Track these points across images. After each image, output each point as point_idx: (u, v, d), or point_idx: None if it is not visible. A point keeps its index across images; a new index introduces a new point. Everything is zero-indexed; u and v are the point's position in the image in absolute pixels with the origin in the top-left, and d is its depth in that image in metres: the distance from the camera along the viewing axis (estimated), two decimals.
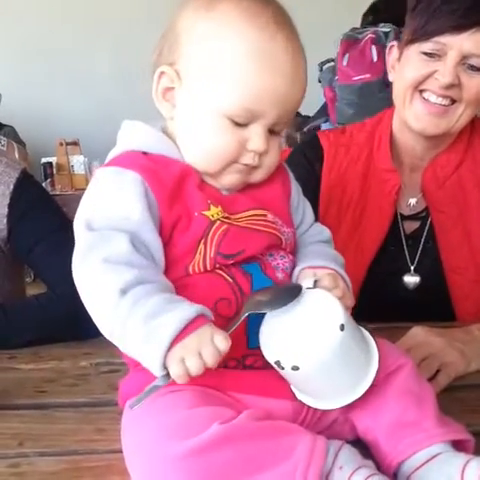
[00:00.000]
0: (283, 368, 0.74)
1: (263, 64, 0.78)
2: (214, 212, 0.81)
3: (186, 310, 0.71)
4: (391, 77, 1.36)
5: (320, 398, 0.78)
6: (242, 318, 0.76)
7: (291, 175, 0.95)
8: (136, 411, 0.77)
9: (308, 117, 3.18)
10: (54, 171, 3.87)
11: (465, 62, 1.23)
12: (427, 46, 1.23)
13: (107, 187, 0.80)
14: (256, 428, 0.72)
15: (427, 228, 1.40)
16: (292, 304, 0.77)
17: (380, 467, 0.77)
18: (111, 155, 0.85)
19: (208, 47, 0.80)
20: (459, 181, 1.37)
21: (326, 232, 0.98)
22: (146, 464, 0.72)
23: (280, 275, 0.84)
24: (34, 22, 4.10)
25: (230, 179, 0.84)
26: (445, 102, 1.26)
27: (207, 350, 0.70)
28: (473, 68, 1.23)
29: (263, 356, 0.78)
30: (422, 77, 1.26)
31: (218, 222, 0.81)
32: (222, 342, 0.70)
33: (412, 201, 1.41)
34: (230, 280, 0.80)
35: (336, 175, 1.42)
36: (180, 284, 0.79)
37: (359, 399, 0.78)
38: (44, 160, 3.87)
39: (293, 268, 0.87)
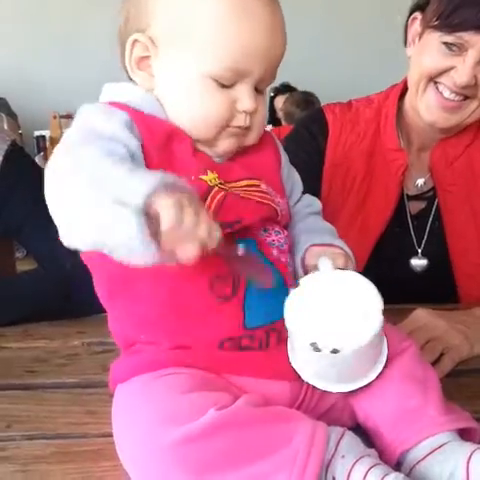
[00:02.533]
0: (319, 350, 0.70)
1: (242, 20, 0.75)
2: (212, 177, 0.77)
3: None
4: (409, 51, 1.31)
5: (336, 381, 0.75)
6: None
7: (279, 144, 0.92)
8: (128, 395, 0.75)
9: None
10: (47, 144, 3.81)
11: None
12: (449, 38, 1.18)
13: (98, 116, 0.73)
14: (254, 414, 0.69)
15: (434, 208, 1.36)
16: (324, 284, 0.74)
17: (382, 455, 0.73)
18: (103, 100, 0.79)
19: (181, 9, 0.75)
20: (469, 161, 1.33)
21: (317, 203, 0.96)
22: (138, 452, 0.69)
23: (275, 252, 0.80)
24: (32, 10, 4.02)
25: (224, 145, 0.80)
26: (458, 98, 1.22)
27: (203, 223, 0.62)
28: None
29: (276, 331, 0.75)
30: (439, 70, 1.21)
31: (216, 188, 0.76)
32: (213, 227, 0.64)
33: (420, 181, 1.37)
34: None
35: (341, 152, 1.37)
36: None
37: (368, 384, 0.75)
38: (37, 133, 3.82)
39: (288, 244, 0.83)
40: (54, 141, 3.80)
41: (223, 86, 0.77)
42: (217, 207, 0.75)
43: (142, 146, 0.73)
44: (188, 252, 0.62)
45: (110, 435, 0.76)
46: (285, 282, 0.79)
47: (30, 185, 1.29)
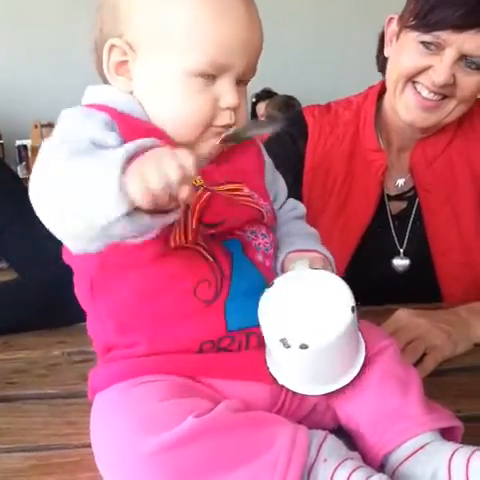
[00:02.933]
0: (289, 346, 0.69)
1: (219, 15, 0.75)
2: (196, 178, 0.76)
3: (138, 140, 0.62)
4: (387, 52, 1.31)
5: (311, 382, 0.74)
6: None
7: (262, 148, 0.91)
8: (106, 404, 0.74)
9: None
10: (29, 154, 3.78)
11: (463, 60, 1.17)
12: (426, 37, 1.18)
13: (79, 120, 0.72)
14: (234, 420, 0.68)
15: (415, 208, 1.36)
16: (296, 283, 0.73)
17: (365, 458, 0.73)
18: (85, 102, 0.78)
19: (157, 11, 0.75)
20: (449, 160, 1.33)
21: (301, 207, 0.95)
22: (116, 461, 0.68)
23: (260, 257, 0.80)
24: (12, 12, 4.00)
25: (208, 146, 0.79)
26: (436, 97, 1.22)
27: (168, 163, 0.58)
28: (471, 66, 1.18)
29: (257, 334, 0.74)
30: (417, 70, 1.21)
31: (202, 188, 0.76)
32: (186, 156, 0.60)
33: (400, 181, 1.37)
34: (210, 259, 0.76)
35: (320, 154, 1.37)
36: (157, 262, 0.74)
37: (346, 386, 0.74)
38: (19, 143, 3.79)
39: (274, 248, 0.83)
40: (36, 150, 3.74)
41: (206, 80, 0.76)
42: (202, 207, 0.75)
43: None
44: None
45: (91, 446, 0.74)
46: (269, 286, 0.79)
47: (8, 195, 1.28)
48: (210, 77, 0.76)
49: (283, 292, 0.73)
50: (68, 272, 1.14)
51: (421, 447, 0.72)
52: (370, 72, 1.42)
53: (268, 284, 0.78)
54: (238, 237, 0.79)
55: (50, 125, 3.80)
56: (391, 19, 1.29)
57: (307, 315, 0.71)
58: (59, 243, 1.22)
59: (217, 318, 0.75)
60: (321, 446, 0.68)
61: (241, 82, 0.79)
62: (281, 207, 0.92)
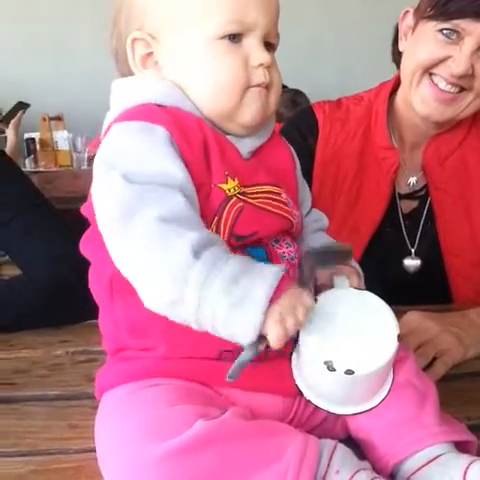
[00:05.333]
0: (334, 370, 0.67)
1: None
2: (231, 186, 0.74)
3: (274, 269, 0.65)
4: (401, 46, 1.27)
5: (343, 403, 0.72)
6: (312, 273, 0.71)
7: (292, 150, 0.89)
8: (113, 407, 0.72)
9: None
10: (37, 147, 3.77)
11: None
12: (445, 26, 1.14)
13: (138, 141, 0.71)
14: (243, 427, 0.66)
15: (426, 207, 1.33)
16: (340, 302, 0.72)
17: (374, 467, 0.71)
18: (112, 116, 0.77)
19: None
20: (462, 158, 1.30)
21: (325, 220, 0.94)
22: (122, 466, 0.66)
23: (284, 266, 0.76)
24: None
25: (251, 110, 0.77)
26: (454, 90, 1.18)
27: (299, 307, 0.63)
28: None
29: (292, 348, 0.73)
30: (435, 60, 1.18)
31: (234, 198, 0.74)
32: (308, 298, 0.65)
33: (412, 180, 1.34)
34: None
35: (331, 151, 1.34)
36: None
37: (378, 405, 0.72)
38: (27, 136, 3.78)
39: (298, 258, 0.80)
40: (44, 143, 3.77)
41: (231, 44, 0.75)
42: (233, 219, 0.73)
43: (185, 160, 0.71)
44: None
45: (92, 450, 0.73)
46: None
47: (11, 190, 1.26)
48: (235, 38, 0.76)
49: (326, 311, 0.70)
50: (72, 271, 1.12)
51: (435, 458, 0.70)
52: (379, 68, 1.39)
53: None
54: (263, 246, 0.76)
55: (58, 118, 3.79)
56: (406, 13, 1.26)
57: (353, 339, 0.69)
58: (63, 241, 1.21)
59: None
60: (332, 456, 0.66)
61: (269, 46, 0.79)
62: (306, 216, 0.90)
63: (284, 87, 4.20)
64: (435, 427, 0.73)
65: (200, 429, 0.63)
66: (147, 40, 0.77)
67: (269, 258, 0.76)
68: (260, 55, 0.76)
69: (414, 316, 1.06)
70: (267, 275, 0.63)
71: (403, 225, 1.34)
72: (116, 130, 0.73)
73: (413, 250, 1.34)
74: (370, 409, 0.72)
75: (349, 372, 0.67)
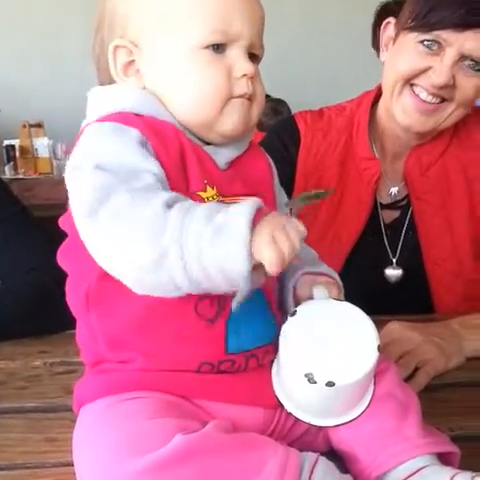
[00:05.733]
0: (315, 382, 0.66)
1: None
2: (210, 194, 0.73)
3: (249, 201, 0.63)
4: (382, 57, 1.28)
5: (323, 415, 0.71)
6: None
7: (270, 158, 0.88)
8: (91, 420, 0.70)
9: None
10: (17, 154, 3.73)
11: (464, 60, 1.15)
12: (426, 37, 1.15)
13: (110, 139, 0.70)
14: (223, 441, 0.65)
15: (408, 217, 1.34)
16: (320, 314, 0.71)
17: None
18: (93, 115, 0.75)
19: None
20: (443, 168, 1.31)
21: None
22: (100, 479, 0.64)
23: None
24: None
25: (232, 121, 0.77)
26: (435, 100, 1.19)
27: (292, 230, 0.61)
28: (472, 68, 1.16)
29: (256, 357, 0.73)
30: (416, 71, 1.18)
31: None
32: (301, 224, 0.63)
33: (394, 190, 1.35)
34: None
35: (313, 161, 1.34)
36: None
37: (359, 416, 0.71)
38: (6, 142, 3.74)
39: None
40: (23, 150, 3.73)
41: (214, 54, 0.75)
42: None
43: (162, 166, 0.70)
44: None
45: (70, 464, 0.71)
46: (270, 309, 0.76)
47: None
48: (218, 48, 0.75)
49: (307, 322, 0.70)
50: (52, 280, 1.11)
51: (418, 470, 0.70)
52: (363, 76, 1.40)
53: (271, 306, 0.75)
54: None
55: (39, 125, 3.75)
56: (387, 24, 1.26)
57: (333, 350, 0.68)
58: (42, 250, 1.19)
59: (217, 339, 0.72)
60: (313, 470, 0.65)
61: (253, 57, 0.78)
62: None
63: (266, 96, 4.21)
64: (418, 439, 0.72)
65: (179, 443, 0.62)
66: (129, 47, 0.76)
67: None
68: (243, 66, 0.76)
69: (395, 326, 1.06)
70: (245, 203, 0.62)
71: (385, 235, 1.34)
72: (88, 130, 0.72)
73: (394, 260, 1.35)
74: (351, 420, 0.71)
75: (330, 384, 0.66)
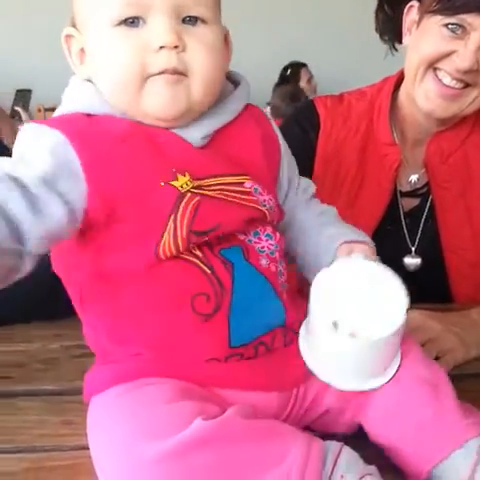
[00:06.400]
0: (338, 329, 0.67)
1: None
2: (183, 182, 0.70)
3: None
4: (405, 41, 1.25)
5: (345, 375, 0.71)
6: None
7: (278, 131, 0.85)
8: (104, 408, 0.69)
9: None
10: None
11: None
12: (450, 21, 1.12)
13: (26, 143, 0.68)
14: (244, 427, 0.64)
15: (428, 205, 1.31)
16: (355, 272, 0.71)
17: (404, 472, 0.70)
18: (56, 113, 0.75)
19: None
20: (464, 156, 1.28)
21: (312, 186, 0.91)
22: (118, 467, 0.63)
23: (264, 262, 0.74)
24: None
25: (154, 101, 0.70)
26: (458, 85, 1.16)
27: None
28: None
29: (264, 344, 0.73)
30: (439, 55, 1.15)
31: (189, 194, 0.69)
32: None
33: (413, 177, 1.32)
34: (208, 271, 0.70)
35: (332, 146, 1.32)
36: (150, 274, 0.70)
37: (379, 387, 0.71)
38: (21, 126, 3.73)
39: (280, 249, 0.77)
40: None
41: (131, 26, 0.69)
42: (191, 215, 0.69)
43: (82, 165, 0.66)
44: None
45: (87, 448, 0.71)
46: (275, 293, 0.75)
47: None
48: (134, 22, 0.69)
49: (340, 275, 0.71)
50: None
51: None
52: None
53: (275, 290, 0.74)
54: (239, 243, 0.73)
55: (53, 109, 3.74)
56: (411, 7, 1.24)
57: (362, 305, 0.69)
58: None
59: (220, 334, 0.71)
60: (337, 460, 0.64)
61: (192, 20, 0.70)
62: (298, 186, 0.88)
63: (283, 80, 4.18)
64: (461, 422, 0.70)
65: (199, 428, 0.61)
66: (75, 35, 0.74)
67: (246, 257, 0.73)
68: (159, 36, 0.67)
69: (415, 314, 1.04)
70: None
71: (404, 223, 1.32)
72: (22, 128, 0.70)
73: (413, 248, 1.33)
74: (375, 389, 0.71)
75: (352, 335, 0.67)
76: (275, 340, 0.74)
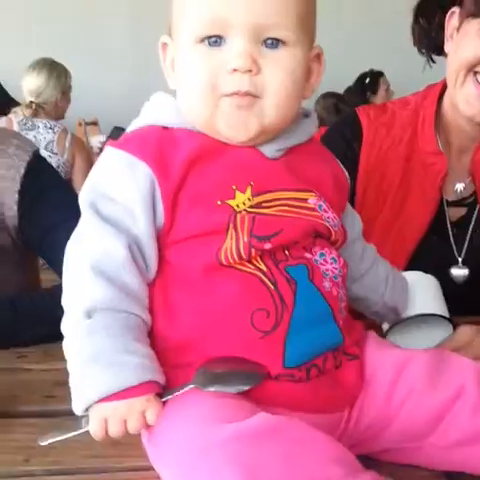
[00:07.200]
0: None
1: None
2: (240, 201, 0.70)
3: (127, 375, 0.65)
4: (447, 47, 1.23)
5: None
6: (184, 389, 0.67)
7: (338, 161, 0.86)
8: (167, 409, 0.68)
9: None
10: None
11: None
12: None
13: (117, 172, 0.72)
14: (307, 429, 0.61)
15: (475, 215, 1.28)
16: None
17: None
18: (132, 126, 0.77)
19: None
20: None
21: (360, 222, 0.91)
22: (184, 452, 0.61)
23: (327, 284, 0.73)
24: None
25: (224, 122, 0.71)
26: None
27: (133, 420, 0.66)
28: None
29: (317, 366, 0.72)
30: (478, 59, 1.13)
31: (243, 212, 0.70)
32: (152, 416, 0.66)
33: (459, 186, 1.29)
34: (271, 286, 0.69)
35: (376, 157, 1.30)
36: (210, 281, 0.69)
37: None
38: None
39: (343, 276, 0.76)
40: None
41: (213, 46, 0.70)
42: (250, 227, 0.69)
43: (162, 196, 0.71)
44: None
45: (133, 469, 0.71)
46: (334, 317, 0.73)
47: (52, 200, 1.25)
48: (216, 41, 0.69)
49: None
50: None
51: None
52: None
53: (334, 314, 0.73)
54: (305, 262, 0.72)
55: (94, 123, 3.80)
56: (452, 13, 1.21)
57: None
58: None
59: (275, 352, 0.69)
60: None
61: (273, 43, 0.69)
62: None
63: (362, 88, 4.10)
64: None
65: (266, 418, 0.61)
66: (169, 44, 0.76)
67: (310, 277, 0.71)
68: (234, 58, 0.68)
69: (467, 330, 1.01)
70: (114, 377, 0.65)
71: (451, 233, 1.29)
72: (105, 153, 0.74)
73: (460, 259, 1.29)
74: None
75: None
76: (327, 362, 0.73)
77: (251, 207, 0.71)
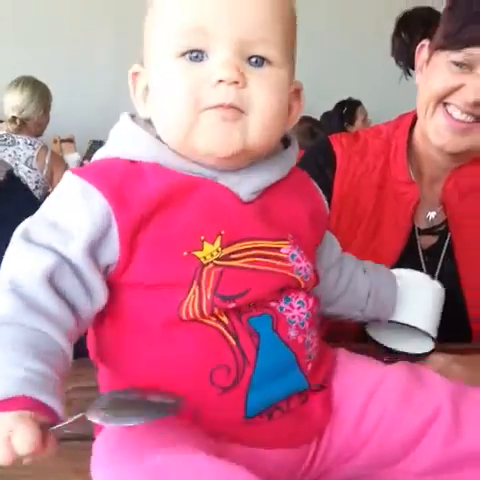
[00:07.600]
0: None
1: None
2: (208, 252, 0.66)
3: (9, 385, 0.55)
4: (418, 80, 1.26)
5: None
6: (75, 418, 0.57)
7: (316, 185, 0.84)
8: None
9: None
10: None
11: None
12: (458, 56, 1.13)
13: (69, 198, 0.67)
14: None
15: (446, 243, 1.30)
16: None
17: None
18: (97, 156, 0.73)
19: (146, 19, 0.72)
20: None
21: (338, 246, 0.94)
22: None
23: (293, 333, 0.70)
24: (33, 13, 4.02)
25: (207, 135, 0.65)
26: (469, 119, 1.16)
27: (18, 436, 0.52)
28: None
29: (281, 409, 0.71)
30: (448, 89, 1.16)
31: (211, 265, 0.66)
32: (23, 445, 0.52)
33: (431, 214, 1.31)
34: (233, 341, 0.67)
35: (349, 184, 1.32)
36: (168, 335, 0.67)
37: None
38: None
39: (311, 318, 0.73)
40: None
41: (194, 60, 0.66)
42: (216, 280, 0.66)
43: (119, 231, 0.65)
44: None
45: None
46: (298, 365, 0.71)
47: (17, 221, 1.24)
48: (197, 56, 0.66)
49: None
50: None
51: None
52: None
53: (298, 361, 0.71)
54: (270, 312, 0.69)
55: (70, 140, 3.78)
56: (422, 46, 1.25)
57: None
58: None
59: (234, 407, 0.67)
60: None
61: (258, 61, 0.66)
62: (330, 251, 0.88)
63: (358, 103, 4.09)
64: None
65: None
66: (141, 72, 0.72)
67: (274, 327, 0.69)
68: (218, 69, 0.64)
69: (439, 359, 1.03)
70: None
71: (422, 261, 1.31)
72: (64, 180, 0.69)
73: None
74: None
75: None
76: (291, 403, 0.71)
77: (219, 259, 0.67)
